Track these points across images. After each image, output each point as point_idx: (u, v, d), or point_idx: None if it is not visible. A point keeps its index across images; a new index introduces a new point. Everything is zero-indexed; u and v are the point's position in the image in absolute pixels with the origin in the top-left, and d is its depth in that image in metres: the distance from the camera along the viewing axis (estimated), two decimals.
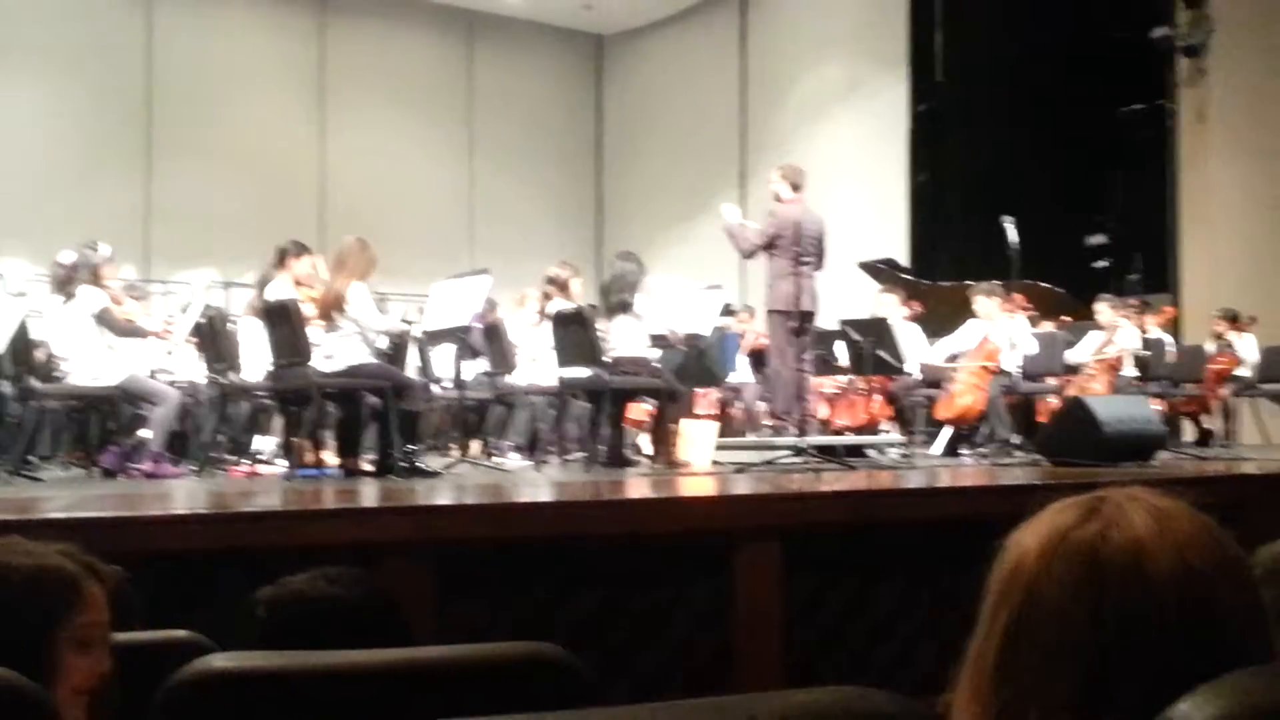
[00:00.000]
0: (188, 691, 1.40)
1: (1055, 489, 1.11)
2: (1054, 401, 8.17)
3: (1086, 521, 1.02)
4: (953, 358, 8.19)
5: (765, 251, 7.16)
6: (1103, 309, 8.73)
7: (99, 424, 7.38)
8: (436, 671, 1.51)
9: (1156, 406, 7.50)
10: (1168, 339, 9.31)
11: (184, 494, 5.05)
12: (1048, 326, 9.08)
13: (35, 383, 6.71)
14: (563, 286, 7.87)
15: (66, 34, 13.15)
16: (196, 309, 7.17)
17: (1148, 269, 7.96)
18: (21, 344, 6.68)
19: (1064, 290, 10.15)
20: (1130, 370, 8.46)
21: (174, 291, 12.39)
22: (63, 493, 5.24)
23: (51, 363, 6.89)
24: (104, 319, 6.52)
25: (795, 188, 7.29)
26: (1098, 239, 12.12)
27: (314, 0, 14.84)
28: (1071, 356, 8.58)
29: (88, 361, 6.51)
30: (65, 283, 6.55)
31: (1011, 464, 6.40)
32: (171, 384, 7.33)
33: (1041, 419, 7.88)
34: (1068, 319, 9.61)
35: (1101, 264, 11.65)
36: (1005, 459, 6.64)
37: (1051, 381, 8.49)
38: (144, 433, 6.80)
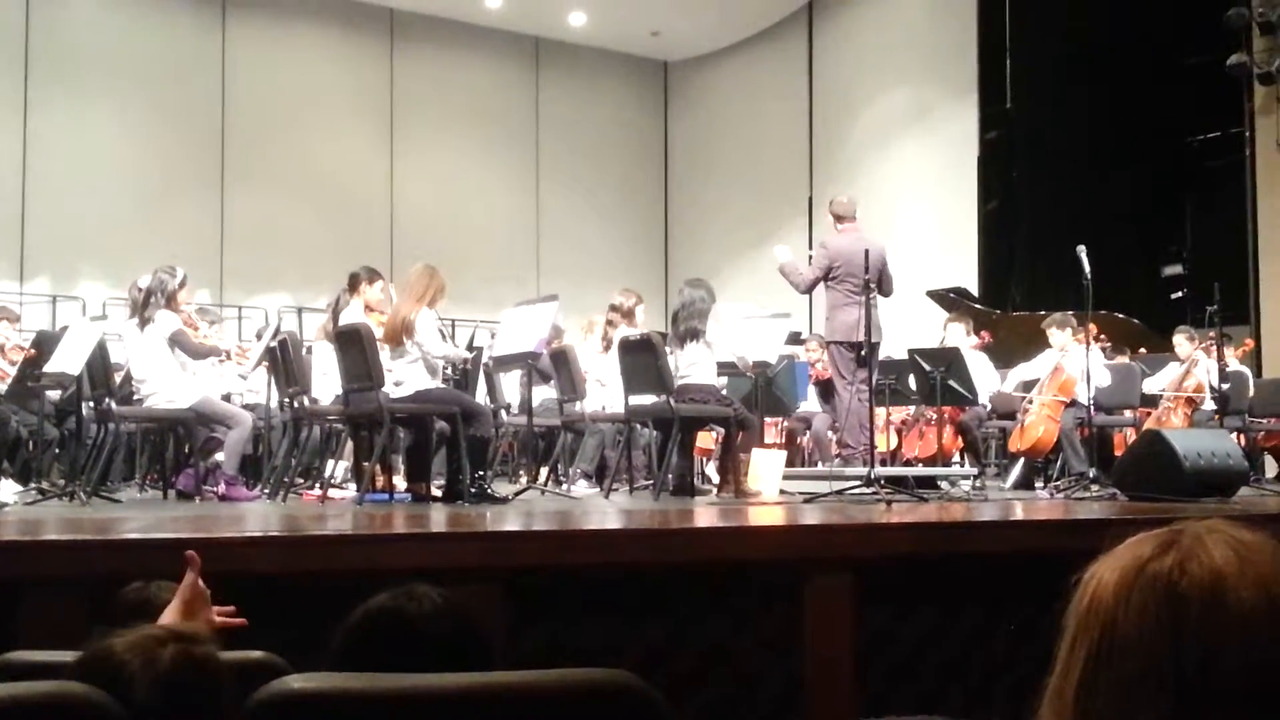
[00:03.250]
0: (267, 712, 1.41)
1: (1132, 524, 1.09)
2: (1130, 434, 8.01)
3: (1164, 554, 1.01)
4: (1026, 387, 8.07)
5: (823, 283, 7.12)
6: (1181, 341, 8.58)
7: (175, 446, 7.50)
8: (512, 696, 1.51)
9: (1236, 441, 7.32)
10: (1247, 372, 9.10)
11: (257, 517, 5.11)
12: (1123, 358, 8.92)
13: (112, 404, 6.84)
14: (627, 314, 7.89)
15: (142, 61, 13.48)
16: (270, 333, 7.27)
17: (1226, 300, 7.79)
18: (100, 366, 6.82)
19: (1140, 321, 9.98)
20: (1209, 404, 8.27)
21: (248, 316, 12.60)
22: (139, 514, 5.32)
23: (129, 385, 7.02)
24: (177, 340, 6.63)
25: (841, 219, 7.24)
26: (1174, 269, 11.90)
27: (383, 27, 15.08)
28: (1149, 386, 8.42)
29: (164, 384, 6.61)
30: (142, 306, 6.67)
31: (1087, 498, 6.27)
32: (245, 407, 7.44)
33: (1118, 452, 7.73)
34: (1144, 351, 9.45)
35: (1178, 295, 11.43)
36: (1081, 493, 6.51)
37: (1128, 414, 8.33)
38: (218, 456, 6.90)
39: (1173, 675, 0.97)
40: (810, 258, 7.46)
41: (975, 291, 11.77)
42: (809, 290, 7.33)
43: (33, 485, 6.88)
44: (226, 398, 7.71)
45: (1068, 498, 6.51)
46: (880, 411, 7.54)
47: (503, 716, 1.48)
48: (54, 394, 7.55)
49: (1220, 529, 1.03)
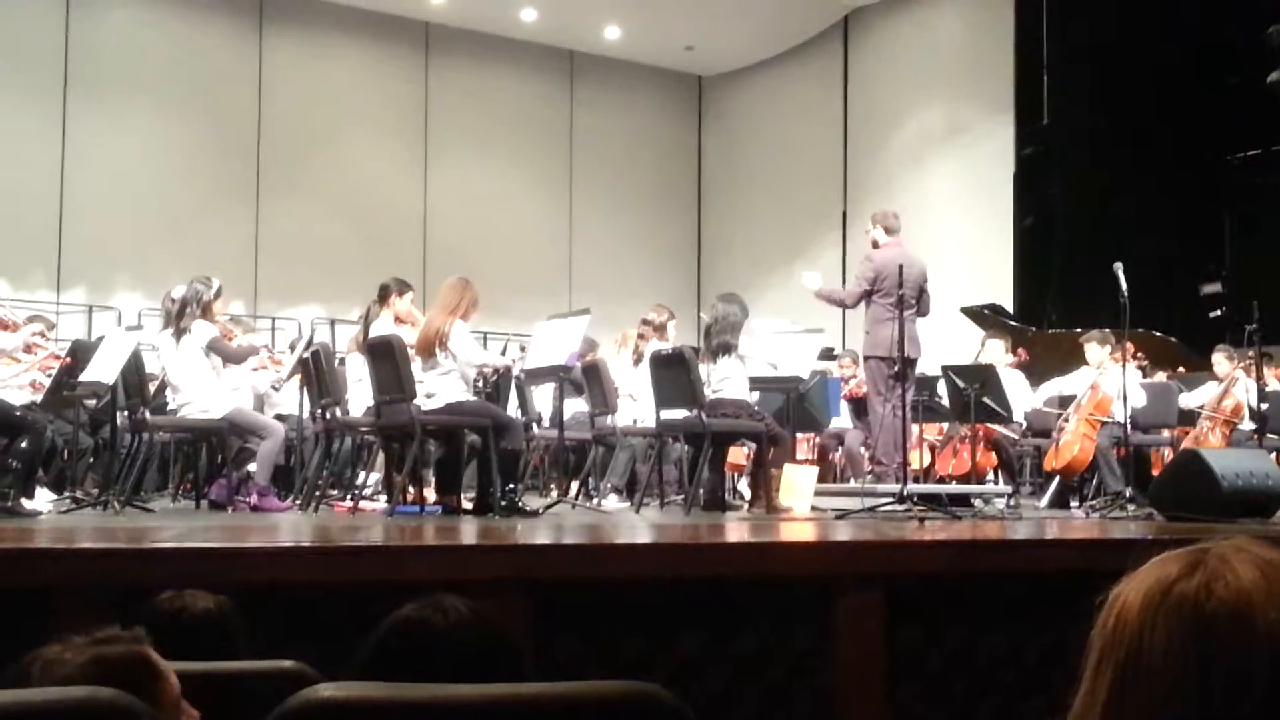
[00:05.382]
0: None
1: (1167, 545, 1.07)
2: (1168, 454, 7.93)
3: (1190, 575, 1.00)
4: (1060, 403, 8.00)
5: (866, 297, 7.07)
6: (1220, 360, 8.48)
7: (208, 457, 7.55)
8: (540, 707, 1.50)
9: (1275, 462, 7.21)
10: None
11: (289, 527, 5.13)
12: (1160, 377, 8.83)
13: (146, 414, 6.89)
14: (659, 329, 7.89)
15: (180, 74, 13.63)
16: (303, 344, 7.31)
17: (1266, 319, 7.70)
18: (134, 376, 6.87)
19: (1178, 340, 9.88)
20: (1247, 424, 8.17)
21: (281, 327, 12.69)
22: (172, 523, 5.35)
23: (163, 395, 7.06)
24: (215, 346, 6.67)
25: (890, 231, 7.21)
26: (1212, 287, 11.78)
27: (418, 39, 15.18)
28: (1186, 401, 8.33)
29: (198, 395, 6.65)
30: (177, 317, 6.72)
31: (1123, 518, 6.20)
32: (277, 419, 7.48)
33: (1155, 471, 7.64)
34: (1182, 370, 9.35)
35: (1216, 313, 11.31)
36: (1117, 512, 6.44)
37: (1165, 433, 8.24)
38: (251, 466, 6.94)
39: (1200, 698, 0.95)
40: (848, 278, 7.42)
41: (1010, 309, 11.69)
42: (857, 304, 7.22)
43: (67, 494, 6.92)
44: (259, 407, 7.75)
45: (1104, 517, 6.44)
46: (913, 428, 7.49)
47: None
48: (89, 403, 7.62)
49: (1247, 548, 1.01)
